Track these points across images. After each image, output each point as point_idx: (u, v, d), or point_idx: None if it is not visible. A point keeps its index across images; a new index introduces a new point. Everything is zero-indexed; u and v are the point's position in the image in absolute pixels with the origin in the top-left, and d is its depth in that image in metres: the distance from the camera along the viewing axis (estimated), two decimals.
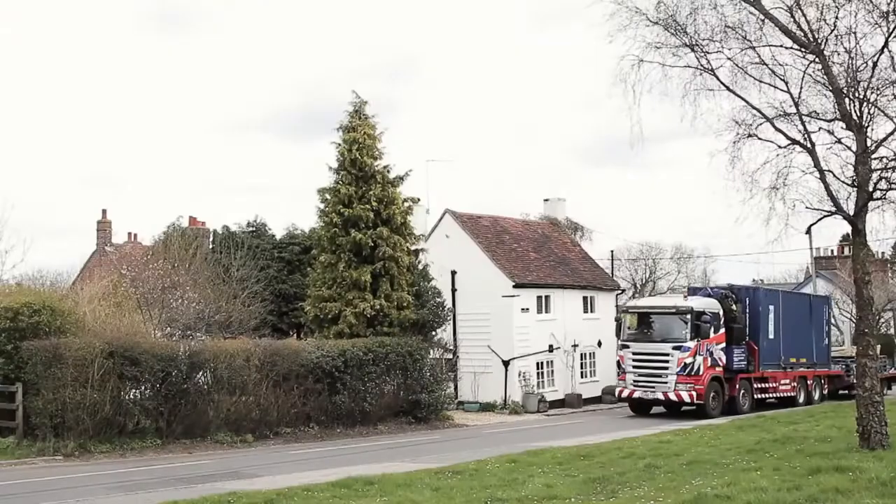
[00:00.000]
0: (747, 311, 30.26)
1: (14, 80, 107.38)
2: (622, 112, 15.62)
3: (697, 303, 29.33)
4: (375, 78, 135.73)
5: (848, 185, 15.19)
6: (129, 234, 41.45)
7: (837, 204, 15.09)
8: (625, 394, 29.67)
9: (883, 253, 63.19)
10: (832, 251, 63.62)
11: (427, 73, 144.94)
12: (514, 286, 33.24)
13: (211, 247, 36.57)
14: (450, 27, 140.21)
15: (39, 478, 16.13)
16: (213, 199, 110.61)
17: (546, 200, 42.50)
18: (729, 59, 15.47)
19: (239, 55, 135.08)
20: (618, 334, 30.70)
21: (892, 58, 14.57)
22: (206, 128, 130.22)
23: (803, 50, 14.90)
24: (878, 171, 14.97)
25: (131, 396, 21.29)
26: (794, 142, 15.25)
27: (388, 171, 29.43)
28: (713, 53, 15.49)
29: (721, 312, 29.21)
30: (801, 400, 32.11)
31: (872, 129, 15.02)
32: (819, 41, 14.69)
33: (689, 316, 28.38)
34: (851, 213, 15.06)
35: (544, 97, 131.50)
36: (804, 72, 15.10)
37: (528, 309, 34.03)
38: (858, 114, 14.74)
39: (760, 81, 15.46)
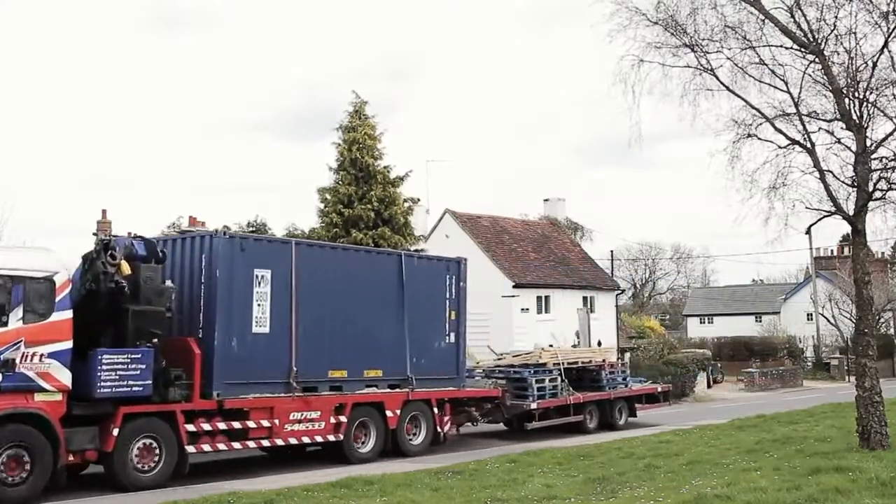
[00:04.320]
0: (187, 277, 15.95)
1: (14, 81, 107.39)
2: (622, 112, 15.64)
3: None
4: (375, 78, 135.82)
5: (848, 185, 15.19)
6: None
7: (837, 204, 15.09)
8: None
9: (883, 253, 63.38)
10: (832, 251, 63.79)
11: (427, 73, 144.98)
12: (514, 286, 33.28)
13: None
14: (450, 27, 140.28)
15: None
16: (213, 199, 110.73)
17: (546, 200, 42.56)
18: (729, 59, 15.48)
19: (239, 55, 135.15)
20: None
21: (892, 58, 14.58)
22: (206, 128, 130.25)
23: (803, 50, 14.91)
24: (878, 171, 14.97)
25: None
26: (794, 142, 15.25)
27: (389, 171, 29.49)
28: (713, 53, 15.50)
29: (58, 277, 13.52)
30: (369, 447, 17.70)
31: (872, 129, 15.03)
32: (819, 41, 14.69)
33: None
34: (851, 213, 15.06)
35: (544, 97, 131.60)
36: (804, 72, 15.10)
37: (527, 309, 34.06)
38: (858, 114, 14.75)
39: (760, 81, 15.47)
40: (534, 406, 21.64)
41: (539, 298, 34.87)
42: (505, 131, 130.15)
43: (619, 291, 43.07)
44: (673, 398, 37.61)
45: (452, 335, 20.27)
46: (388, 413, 18.05)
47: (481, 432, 22.78)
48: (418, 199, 31.20)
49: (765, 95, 15.57)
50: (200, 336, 15.37)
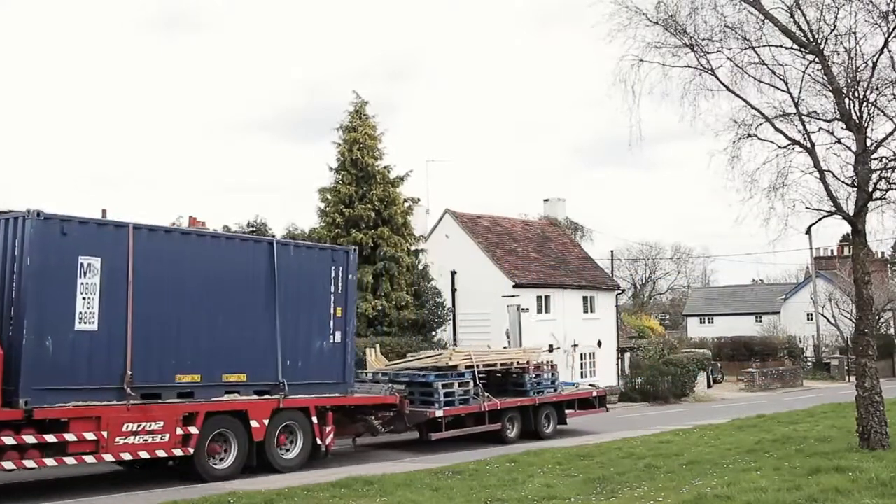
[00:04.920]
0: None
1: (15, 81, 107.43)
2: (622, 112, 15.61)
3: None
4: (375, 78, 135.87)
5: (848, 185, 15.18)
6: None
7: (837, 204, 15.08)
8: None
9: (883, 253, 63.37)
10: (832, 251, 63.82)
11: (427, 73, 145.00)
12: (514, 286, 33.25)
13: None
14: (450, 27, 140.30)
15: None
16: (213, 199, 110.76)
17: (546, 200, 42.55)
18: (729, 59, 15.46)
19: (239, 55, 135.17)
20: None
21: (892, 58, 14.56)
22: (206, 128, 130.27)
23: (803, 50, 14.90)
24: (878, 171, 14.96)
25: None
26: (794, 142, 15.24)
27: (389, 172, 29.50)
28: (713, 53, 15.48)
29: None
30: (228, 462, 15.71)
31: (872, 129, 15.01)
32: (819, 41, 14.68)
33: None
34: (851, 213, 15.05)
35: (544, 97, 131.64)
36: (804, 72, 15.09)
37: (528, 309, 34.04)
38: (858, 114, 14.74)
39: (760, 81, 15.45)
40: (439, 414, 19.70)
41: (539, 298, 34.86)
42: (505, 131, 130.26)
43: (620, 291, 43.03)
44: (673, 398, 37.82)
45: (338, 334, 17.74)
46: (254, 423, 15.80)
47: (384, 443, 20.97)
48: (418, 199, 31.23)
49: (765, 95, 15.57)
50: (11, 334, 13.35)
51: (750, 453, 15.43)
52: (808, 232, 17.10)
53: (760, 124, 15.39)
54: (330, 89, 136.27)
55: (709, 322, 73.48)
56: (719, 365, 49.33)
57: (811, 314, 57.59)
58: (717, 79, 15.48)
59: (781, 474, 12.46)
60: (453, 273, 33.77)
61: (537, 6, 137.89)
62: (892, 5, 14.28)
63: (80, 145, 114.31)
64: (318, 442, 17.03)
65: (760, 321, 65.56)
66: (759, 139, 15.50)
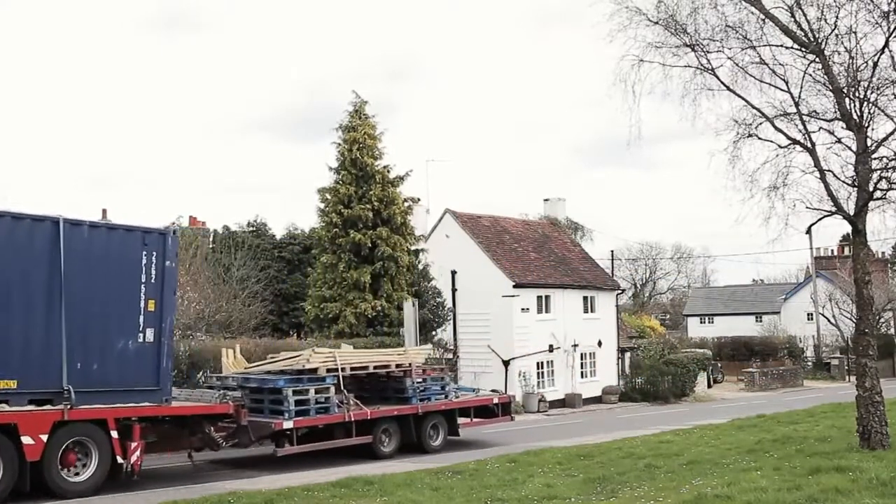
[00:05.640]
0: None
1: (15, 81, 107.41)
2: (622, 112, 15.62)
3: None
4: (375, 78, 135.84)
5: (848, 184, 15.18)
6: None
7: (837, 204, 15.08)
8: None
9: (883, 253, 63.33)
10: (832, 251, 63.81)
11: (427, 73, 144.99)
12: (514, 286, 33.24)
13: (211, 246, 36.61)
14: (450, 28, 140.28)
15: None
16: (213, 199, 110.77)
17: (546, 200, 42.54)
18: (729, 58, 15.47)
19: (239, 55, 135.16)
20: None
21: (893, 57, 14.56)
22: (206, 128, 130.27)
23: (804, 50, 14.90)
24: (879, 171, 14.96)
25: None
26: (795, 141, 15.24)
27: (388, 171, 29.49)
28: (713, 53, 15.48)
29: None
30: None
31: (873, 129, 15.01)
32: (819, 41, 14.68)
33: None
34: (851, 213, 15.05)
35: (544, 97, 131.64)
36: (804, 71, 15.09)
37: (528, 309, 34.04)
38: (859, 113, 14.74)
39: (761, 81, 15.45)
40: (288, 425, 16.98)
41: (539, 298, 34.84)
42: (505, 131, 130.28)
43: (620, 291, 42.97)
44: (673, 398, 37.82)
45: (150, 332, 14.96)
46: (26, 440, 12.97)
47: (226, 459, 18.16)
48: (418, 199, 31.22)
49: (765, 95, 15.57)
50: None
51: (750, 453, 15.43)
52: (809, 232, 17.12)
53: (761, 124, 15.40)
54: (330, 89, 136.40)
55: (709, 322, 73.45)
56: (719, 365, 49.32)
57: (811, 314, 57.57)
58: (718, 78, 15.50)
59: (782, 474, 12.46)
60: (453, 273, 33.76)
61: (537, 6, 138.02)
62: (892, 5, 14.29)
63: (79, 145, 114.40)
64: (120, 460, 14.13)
65: (760, 321, 65.53)
66: (760, 139, 15.51)
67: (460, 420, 21.26)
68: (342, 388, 18.33)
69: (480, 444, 21.04)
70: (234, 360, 19.54)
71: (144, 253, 14.95)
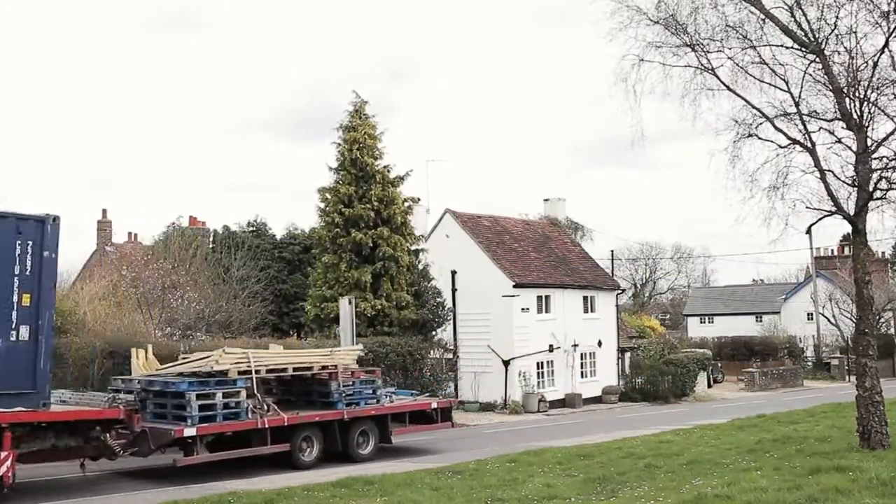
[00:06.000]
0: None
1: (15, 81, 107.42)
2: (623, 112, 15.69)
3: None
4: (375, 78, 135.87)
5: (848, 184, 15.20)
6: (130, 233, 41.52)
7: (838, 204, 15.08)
8: None
9: (883, 253, 63.32)
10: (832, 251, 63.80)
11: (427, 73, 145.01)
12: (515, 286, 33.23)
13: (211, 247, 36.64)
14: (450, 28, 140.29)
15: None
16: (213, 199, 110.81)
17: (546, 200, 42.52)
18: (729, 58, 15.49)
19: (239, 55, 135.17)
20: None
21: (893, 57, 14.58)
22: (206, 128, 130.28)
23: (804, 49, 14.91)
24: (879, 171, 14.97)
25: None
26: (795, 141, 15.25)
27: (389, 171, 29.48)
28: (714, 53, 15.51)
29: None
30: None
31: (873, 129, 15.04)
32: (819, 41, 14.69)
33: None
34: (851, 212, 15.06)
35: (544, 97, 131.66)
36: (804, 71, 15.11)
37: (528, 309, 34.02)
38: (859, 113, 14.75)
39: (761, 81, 15.47)
40: (189, 433, 15.58)
41: (539, 298, 34.81)
42: (505, 131, 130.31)
43: (620, 291, 42.93)
44: (673, 398, 37.81)
45: (24, 330, 13.58)
46: None
47: (126, 471, 16.54)
48: (418, 199, 31.20)
49: (765, 95, 15.59)
50: None
51: (750, 453, 15.43)
52: (809, 232, 17.13)
53: (761, 124, 15.42)
54: (330, 89, 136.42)
55: (709, 322, 73.44)
56: (719, 365, 49.31)
57: (811, 314, 57.56)
58: (718, 78, 15.52)
59: (782, 474, 12.46)
60: (453, 273, 33.75)
61: (537, 6, 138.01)
62: (892, 5, 14.30)
63: (79, 145, 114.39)
64: None
65: (761, 321, 65.52)
66: (760, 139, 15.53)
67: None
68: (255, 391, 16.89)
69: (421, 451, 19.95)
70: (145, 361, 18.01)
71: (19, 242, 13.59)
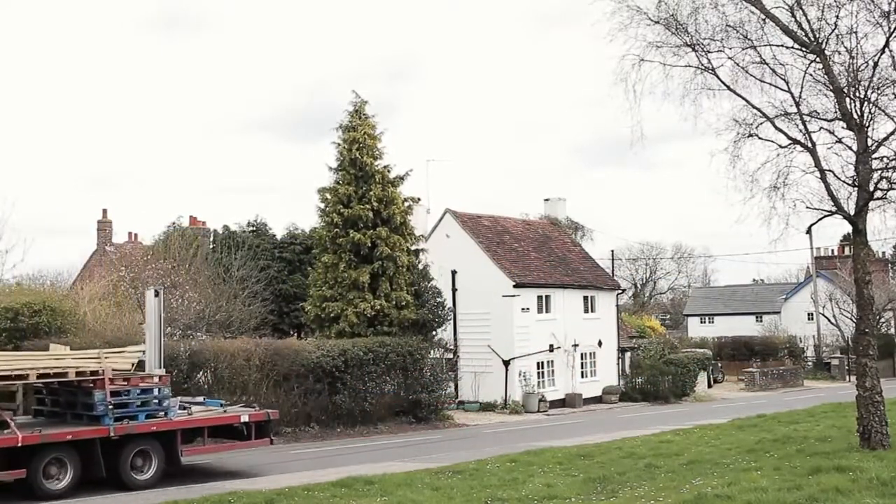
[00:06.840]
0: None
1: (15, 81, 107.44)
2: (623, 112, 15.66)
3: None
4: (375, 78, 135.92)
5: (848, 184, 15.19)
6: (130, 233, 41.54)
7: (838, 204, 15.08)
8: None
9: (883, 253, 63.29)
10: (832, 251, 63.75)
11: (427, 73, 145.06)
12: (515, 286, 33.22)
13: (211, 246, 36.63)
14: (450, 28, 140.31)
15: None
16: (213, 199, 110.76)
17: (546, 200, 42.51)
18: (730, 58, 15.49)
19: (239, 55, 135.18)
20: None
21: (893, 57, 14.57)
22: (206, 128, 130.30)
23: (804, 49, 14.90)
24: (879, 171, 14.97)
25: None
26: (795, 141, 15.25)
27: (388, 171, 29.45)
28: (714, 53, 15.51)
29: None
30: None
31: (873, 129, 15.03)
32: (820, 41, 14.69)
33: None
34: (852, 212, 15.05)
35: (544, 97, 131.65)
36: (805, 71, 15.11)
37: (528, 309, 34.02)
38: (859, 113, 14.74)
39: (761, 81, 15.47)
40: None
41: (540, 298, 34.81)
42: (505, 131, 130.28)
43: (620, 291, 42.93)
44: (673, 398, 37.81)
45: None
46: None
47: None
48: (418, 199, 31.15)
49: (766, 95, 15.59)
50: None
51: (750, 453, 15.43)
52: (809, 232, 17.13)
53: (761, 124, 15.42)
54: (330, 89, 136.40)
55: (709, 322, 73.42)
56: (720, 365, 49.31)
57: (812, 314, 57.56)
58: (719, 78, 15.51)
59: (782, 474, 12.46)
60: (454, 273, 33.75)
61: (537, 6, 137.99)
62: (892, 5, 14.30)
63: (79, 145, 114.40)
64: None
65: (761, 321, 65.53)
66: (760, 139, 15.53)
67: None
68: None
69: (244, 473, 16.78)
70: None
71: None
